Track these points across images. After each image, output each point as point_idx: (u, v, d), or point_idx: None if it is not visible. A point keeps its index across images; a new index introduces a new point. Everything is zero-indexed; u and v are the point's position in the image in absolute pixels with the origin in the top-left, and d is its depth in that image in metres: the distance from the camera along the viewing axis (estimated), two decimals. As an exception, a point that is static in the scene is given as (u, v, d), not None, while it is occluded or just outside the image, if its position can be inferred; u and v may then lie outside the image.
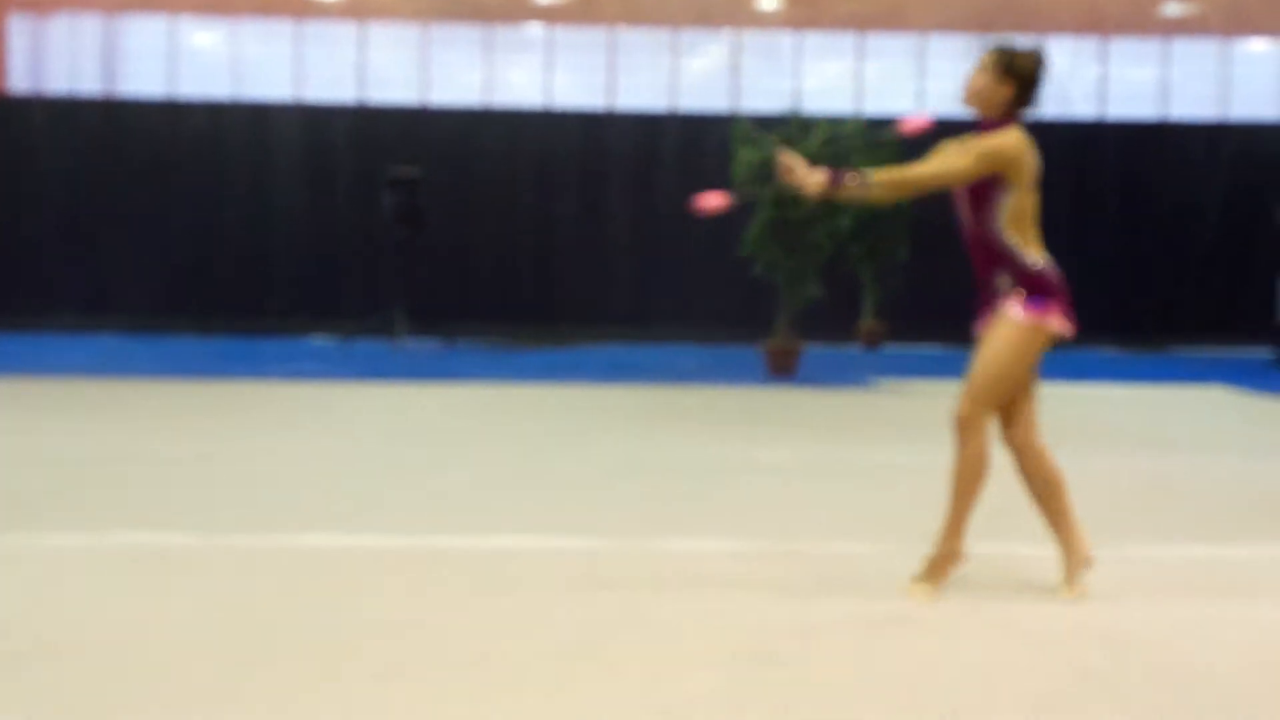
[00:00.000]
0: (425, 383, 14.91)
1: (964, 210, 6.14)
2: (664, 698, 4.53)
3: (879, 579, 6.21)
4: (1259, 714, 4.49)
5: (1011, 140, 5.97)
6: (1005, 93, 6.04)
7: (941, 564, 6.04)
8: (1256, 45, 39.62)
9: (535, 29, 39.82)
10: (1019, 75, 6.03)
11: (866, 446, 10.66)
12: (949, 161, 6.07)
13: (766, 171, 15.82)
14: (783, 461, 9.81)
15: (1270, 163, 23.20)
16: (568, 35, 39.98)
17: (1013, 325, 6.00)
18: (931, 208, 21.16)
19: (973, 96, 6.13)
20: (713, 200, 6.45)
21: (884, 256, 20.56)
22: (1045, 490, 6.17)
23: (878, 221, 20.03)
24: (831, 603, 5.79)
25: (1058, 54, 39.70)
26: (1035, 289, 6.02)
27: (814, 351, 17.93)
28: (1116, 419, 13.11)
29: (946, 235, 21.32)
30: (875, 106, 33.67)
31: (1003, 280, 6.06)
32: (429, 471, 9.10)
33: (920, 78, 38.91)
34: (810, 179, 6.09)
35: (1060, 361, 19.62)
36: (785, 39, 39.76)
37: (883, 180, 6.04)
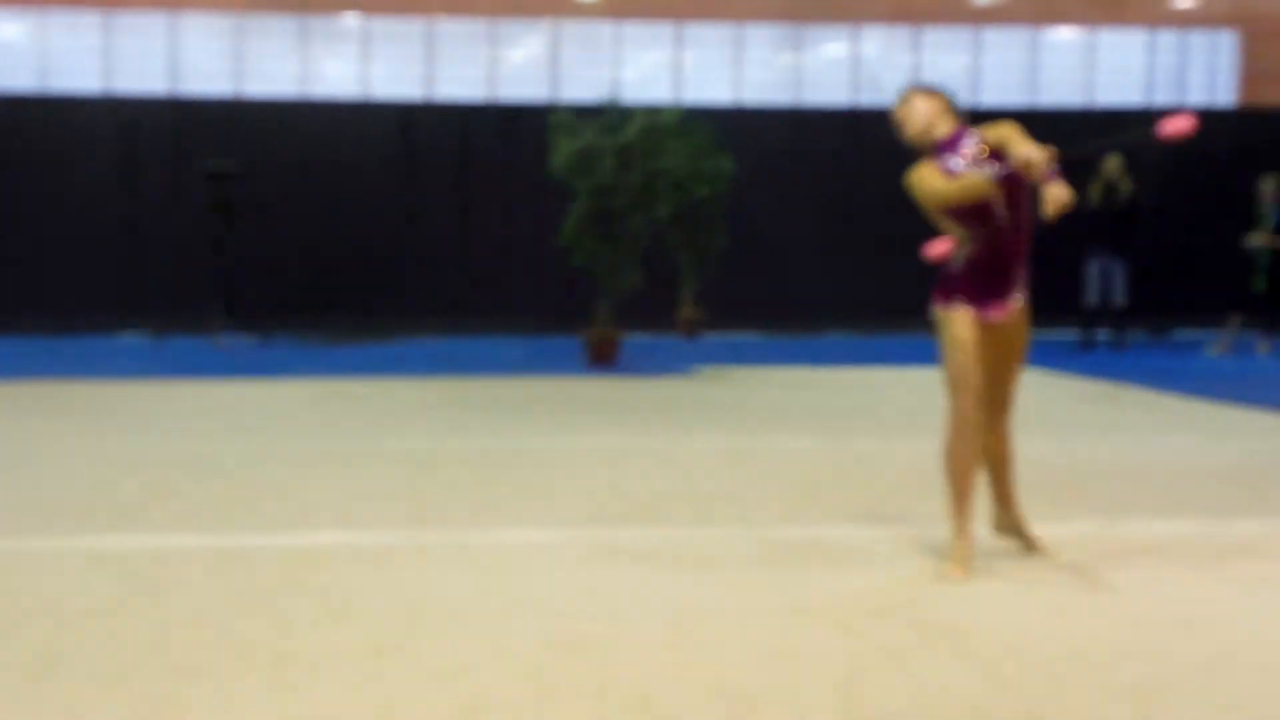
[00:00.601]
0: (243, 379, 14.73)
1: (1011, 215, 6.29)
2: (470, 690, 4.54)
3: (691, 563, 6.26)
4: (1065, 688, 4.61)
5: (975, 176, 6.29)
6: (933, 104, 6.54)
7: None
8: (1063, 34, 40.47)
9: (351, 20, 39.47)
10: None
11: (685, 433, 10.72)
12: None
13: (586, 162, 15.84)
14: (601, 449, 9.84)
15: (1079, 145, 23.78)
16: (385, 26, 39.69)
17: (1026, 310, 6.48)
18: (752, 198, 21.39)
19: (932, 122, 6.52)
20: (940, 248, 6.69)
21: (702, 245, 20.67)
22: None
23: (695, 211, 20.14)
24: (642, 590, 5.83)
25: (870, 44, 40.22)
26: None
27: (634, 341, 18.00)
28: (930, 401, 13.35)
29: (764, 224, 21.57)
30: (694, 95, 33.89)
31: (1021, 272, 6.41)
32: (243, 467, 9.00)
33: (737, 66, 39.20)
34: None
35: (880, 347, 19.88)
36: (604, 29, 39.82)
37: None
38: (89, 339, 20.13)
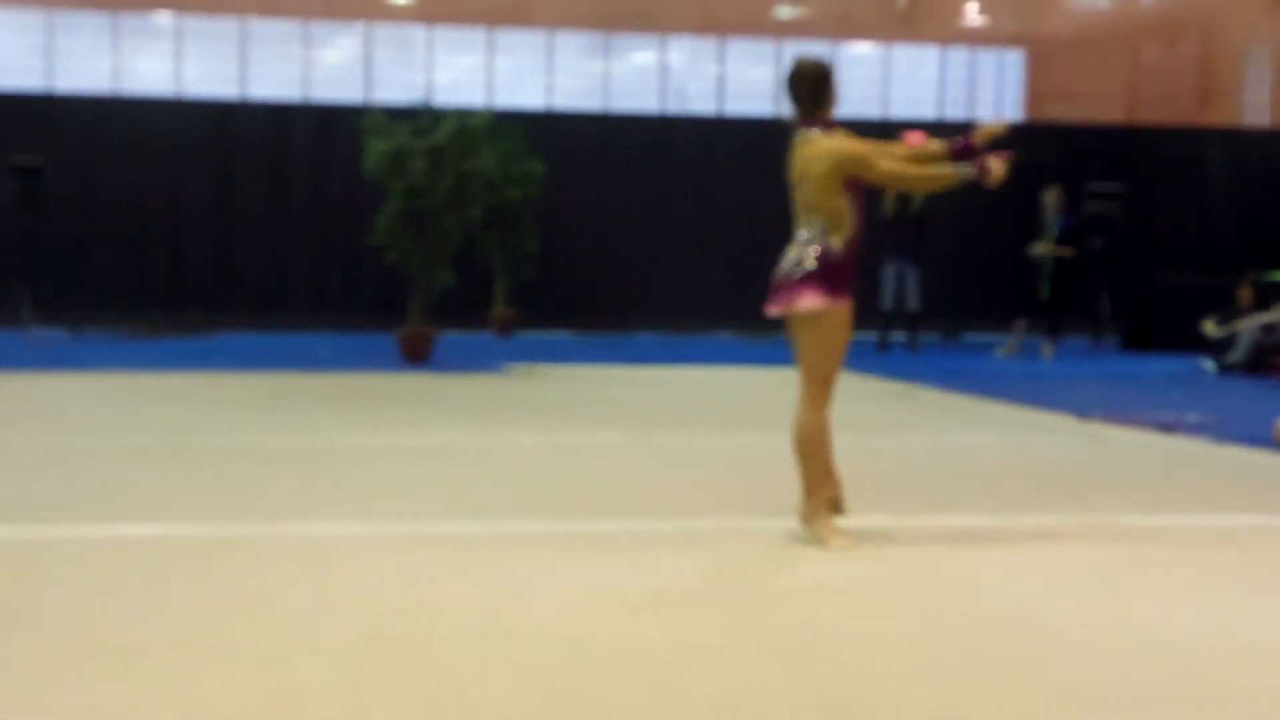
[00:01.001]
0: (52, 371, 14.38)
1: (859, 213, 6.69)
2: (280, 683, 4.46)
3: (503, 556, 6.23)
4: (867, 677, 4.66)
5: None
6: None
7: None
8: (861, 48, 41.07)
9: (164, 18, 38.75)
10: (787, 86, 6.68)
11: (496, 428, 10.68)
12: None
13: (398, 163, 15.72)
14: (413, 444, 9.76)
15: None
16: (198, 24, 39.03)
17: None
18: (562, 200, 21.39)
19: None
20: (916, 137, 6.99)
21: (514, 245, 20.63)
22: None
23: (507, 212, 20.09)
24: (454, 581, 5.78)
25: (677, 53, 40.46)
26: None
27: (448, 338, 17.90)
28: (740, 400, 13.44)
29: (574, 225, 21.59)
30: (505, 100, 33.80)
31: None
32: (53, 462, 8.77)
33: (549, 72, 39.19)
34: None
35: (687, 346, 20.00)
36: (417, 33, 39.56)
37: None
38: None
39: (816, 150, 6.57)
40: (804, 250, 6.61)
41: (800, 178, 6.60)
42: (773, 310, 6.67)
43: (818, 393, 6.58)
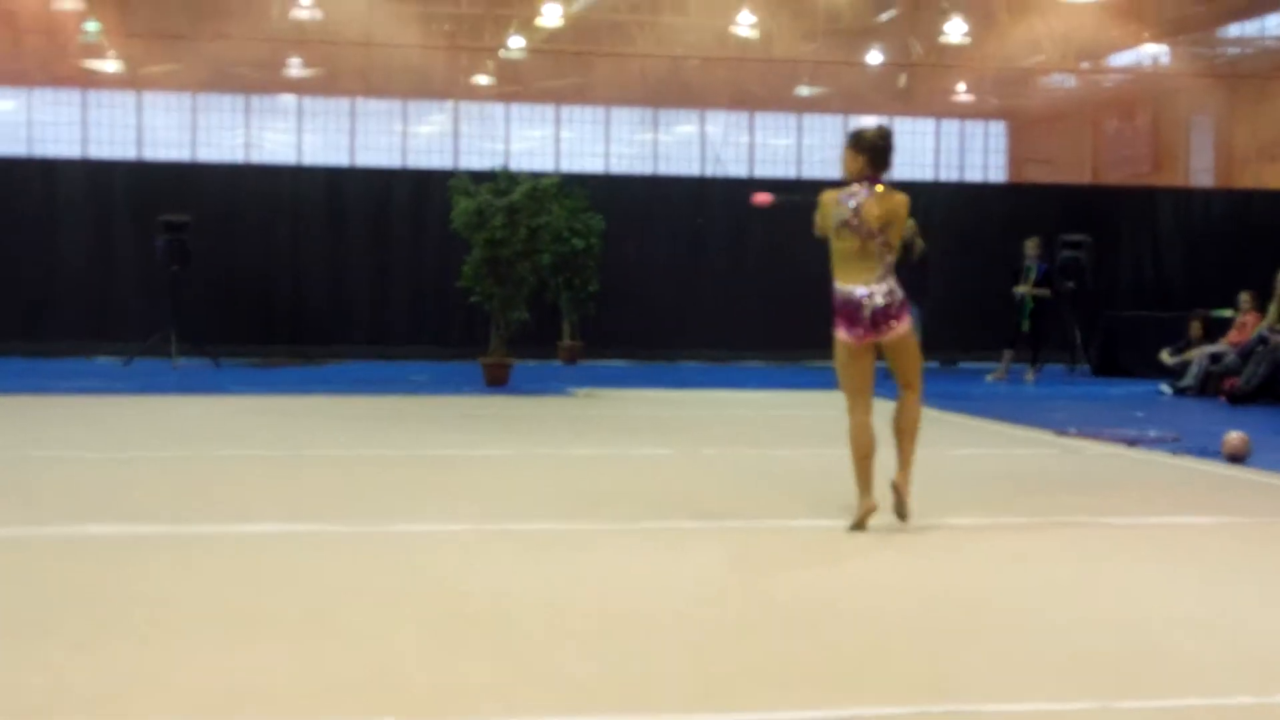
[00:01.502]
0: (195, 395, 14.46)
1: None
2: (380, 653, 4.44)
3: (568, 549, 6.21)
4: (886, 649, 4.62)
5: (824, 197, 6.81)
6: (858, 161, 6.74)
7: (863, 517, 6.73)
8: (867, 120, 40.93)
9: (288, 98, 39.05)
10: (864, 148, 6.73)
11: (564, 442, 10.67)
12: None
13: (480, 218, 15.74)
14: (493, 455, 9.76)
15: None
16: (315, 104, 39.31)
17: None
18: (619, 248, 21.38)
19: (846, 169, 6.83)
20: (762, 197, 7.13)
21: (579, 287, 20.63)
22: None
23: (573, 259, 20.09)
24: (527, 570, 5.76)
25: (713, 125, 40.47)
26: (834, 311, 6.78)
27: (523, 366, 17.89)
28: (771, 418, 13.39)
29: (629, 270, 21.58)
30: (570, 165, 33.89)
31: None
32: (190, 468, 8.80)
33: (606, 142, 39.25)
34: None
35: (724, 372, 19.94)
36: (497, 109, 39.74)
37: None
38: (66, 361, 19.76)
39: (900, 200, 6.76)
40: (893, 284, 6.73)
41: (887, 223, 6.68)
42: (880, 337, 6.76)
43: (921, 382, 7.06)
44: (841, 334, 6.76)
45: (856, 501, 6.80)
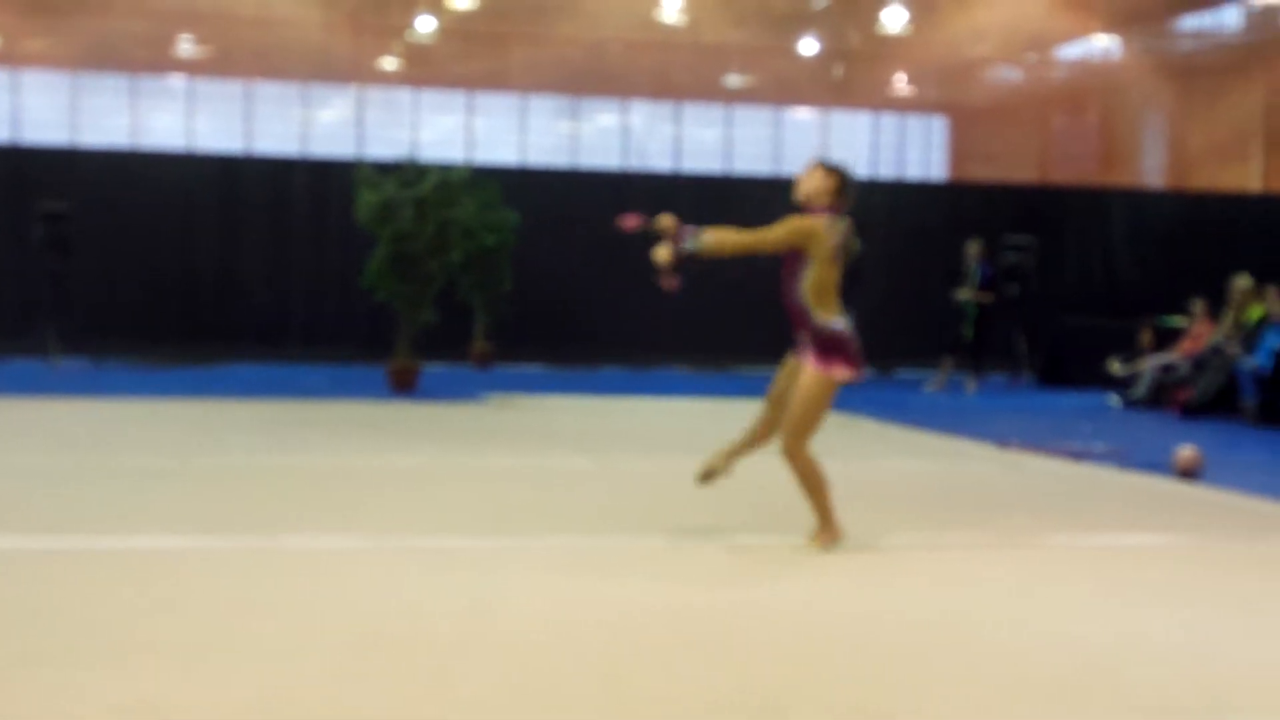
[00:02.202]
0: (75, 397, 14.28)
1: (784, 278, 6.82)
2: (280, 678, 4.43)
3: (481, 568, 6.21)
4: (803, 679, 4.65)
5: (815, 223, 6.73)
6: (830, 186, 6.81)
7: (827, 546, 6.83)
8: (801, 113, 41.28)
9: (177, 79, 38.67)
10: (838, 177, 6.84)
11: (476, 452, 10.65)
12: (766, 231, 6.76)
13: (386, 212, 15.68)
14: (399, 466, 9.73)
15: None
16: (207, 86, 38.96)
17: (809, 375, 6.78)
18: (534, 246, 21.38)
19: (804, 193, 6.86)
20: (631, 220, 7.01)
21: (491, 287, 20.58)
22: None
23: (485, 256, 20.05)
24: (437, 590, 5.76)
25: (636, 116, 40.56)
26: (825, 346, 6.75)
27: (431, 370, 17.83)
28: (692, 427, 13.44)
29: (545, 269, 21.58)
30: (483, 156, 33.81)
31: (803, 335, 6.81)
32: (68, 478, 8.70)
33: (522, 132, 39.22)
34: (659, 253, 6.86)
35: (645, 379, 19.98)
36: (404, 95, 39.56)
37: (712, 238, 6.75)
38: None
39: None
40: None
41: (848, 254, 6.85)
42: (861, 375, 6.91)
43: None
44: (841, 373, 6.81)
45: (826, 529, 6.92)
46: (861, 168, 39.79)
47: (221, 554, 6.39)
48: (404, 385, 16.04)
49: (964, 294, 18.80)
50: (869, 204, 23.56)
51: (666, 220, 6.83)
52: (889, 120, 42.98)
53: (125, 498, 8.03)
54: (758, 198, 24.94)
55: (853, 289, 19.44)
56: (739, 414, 14.31)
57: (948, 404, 16.62)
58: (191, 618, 5.17)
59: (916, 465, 10.61)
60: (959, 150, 43.52)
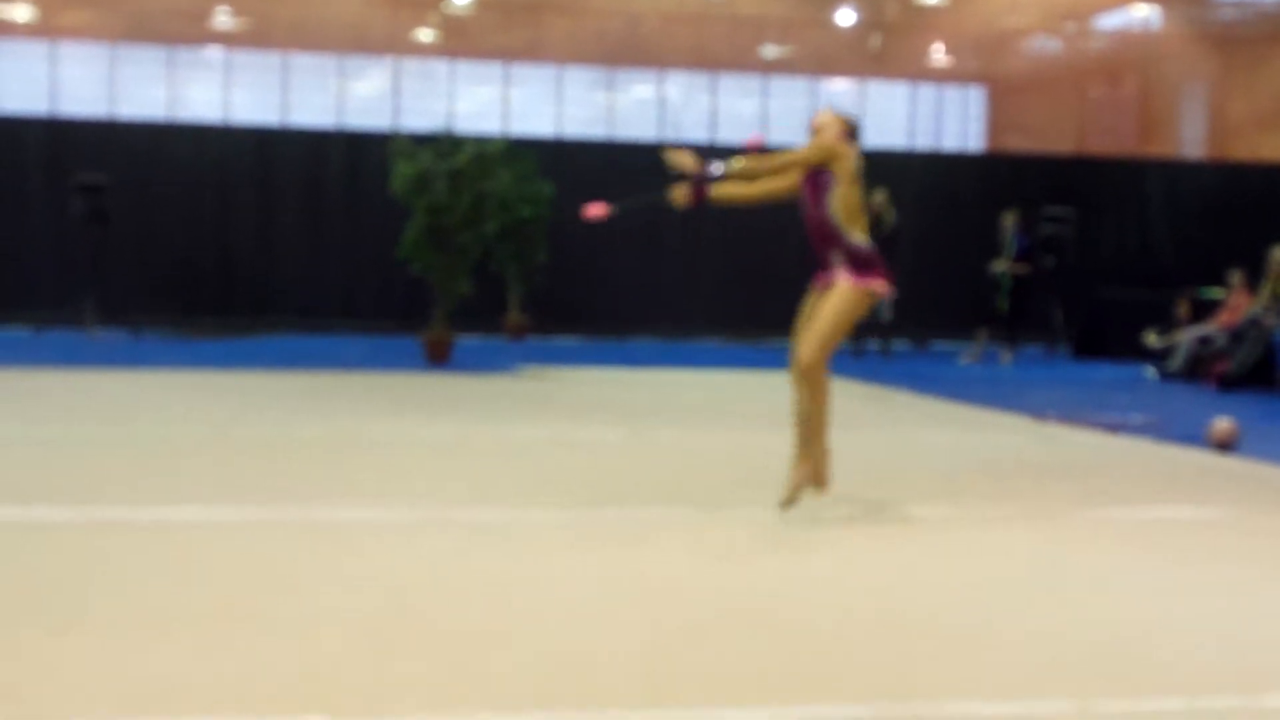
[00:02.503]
0: (114, 369, 14.33)
1: (807, 199, 6.94)
2: (307, 650, 4.42)
3: (512, 540, 6.19)
4: (851, 651, 4.62)
5: (839, 142, 6.91)
6: (839, 126, 7.01)
7: (824, 463, 6.92)
8: (838, 84, 41.04)
9: (214, 51, 38.73)
10: (848, 120, 7.07)
11: (509, 423, 10.65)
12: (791, 151, 6.91)
13: (422, 184, 15.67)
14: (433, 437, 9.73)
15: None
16: (244, 58, 39.01)
17: (844, 289, 6.83)
18: (570, 218, 21.32)
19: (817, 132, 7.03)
20: (596, 209, 7.12)
21: (526, 258, 20.57)
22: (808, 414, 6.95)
23: (520, 228, 20.03)
24: (467, 562, 5.75)
25: (673, 87, 40.44)
26: (860, 263, 6.85)
27: (466, 342, 17.85)
28: (728, 399, 13.41)
29: (581, 241, 21.54)
30: (519, 127, 33.75)
31: (835, 255, 6.88)
32: (113, 449, 8.73)
33: (558, 103, 39.14)
34: (678, 194, 6.99)
35: (681, 351, 19.95)
36: (441, 67, 39.54)
37: (738, 170, 6.85)
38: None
39: None
40: None
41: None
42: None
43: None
44: (879, 285, 6.91)
45: (801, 467, 6.92)
46: (898, 139, 39.60)
47: (256, 525, 6.40)
48: (439, 357, 16.06)
49: (1000, 265, 18.71)
50: (906, 175, 23.62)
51: (686, 158, 6.92)
52: (926, 91, 42.69)
53: (162, 468, 8.05)
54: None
55: (889, 260, 19.41)
56: (772, 386, 14.31)
57: (983, 376, 16.54)
58: (227, 589, 5.17)
59: (951, 437, 10.55)
60: (996, 121, 43.22)
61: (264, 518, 6.57)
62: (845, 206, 6.84)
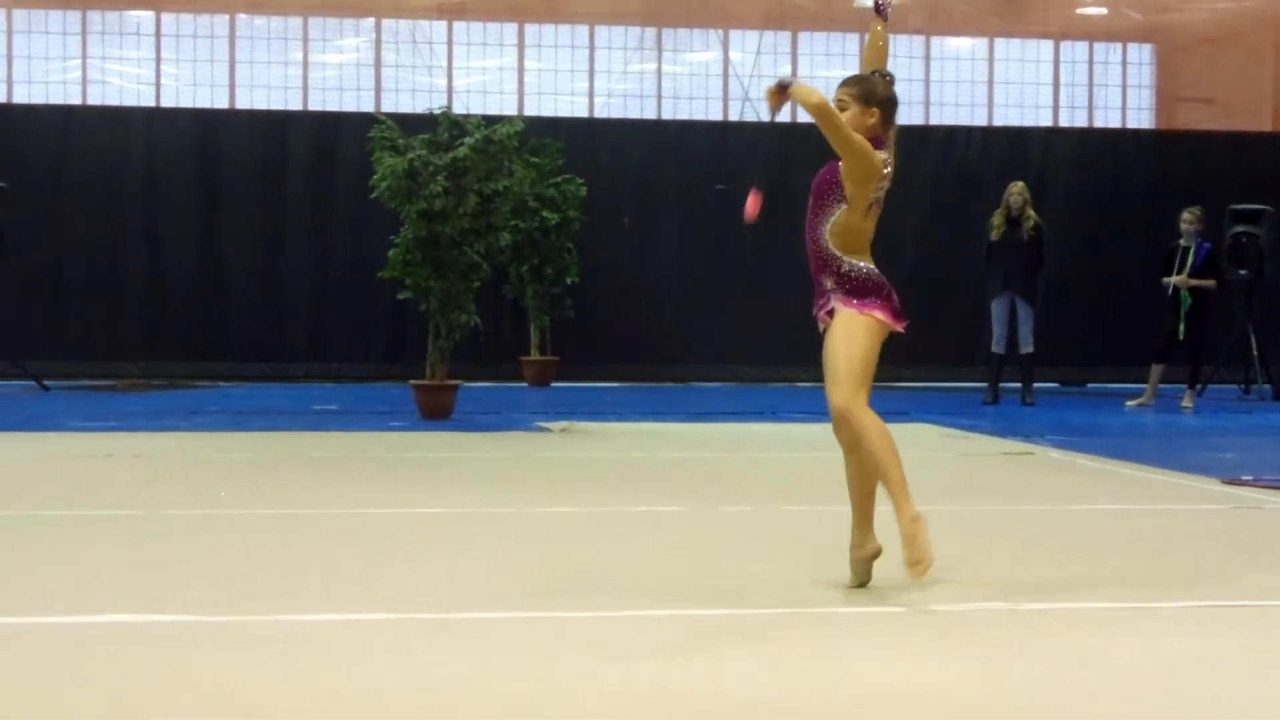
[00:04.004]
0: (11, 433, 14.44)
1: (808, 212, 7.40)
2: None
3: (537, 653, 6.19)
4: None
5: (878, 157, 7.25)
6: (871, 119, 7.31)
7: (915, 535, 6.92)
8: (958, 43, 41.02)
9: (141, 15, 39.09)
10: (880, 102, 7.37)
11: (536, 497, 10.65)
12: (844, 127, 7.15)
13: (412, 181, 15.73)
14: (431, 515, 9.74)
15: (976, 167, 23.77)
16: (179, 23, 39.34)
17: (847, 319, 7.28)
18: (608, 224, 21.39)
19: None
20: (754, 203, 7.51)
21: (551, 279, 20.63)
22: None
23: (542, 239, 20.12)
24: (478, 683, 5.74)
25: (740, 51, 40.56)
26: (856, 290, 7.29)
27: (473, 389, 17.91)
28: (811, 458, 13.39)
29: (622, 255, 21.57)
30: (539, 107, 33.88)
31: (827, 280, 7.37)
32: (10, 536, 8.78)
33: (590, 76, 39.29)
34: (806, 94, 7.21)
35: (754, 396, 19.94)
36: (436, 29, 39.76)
37: (810, 91, 7.21)
38: None
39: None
40: None
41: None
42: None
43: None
44: (884, 316, 7.31)
45: (905, 511, 7.03)
46: (1040, 115, 39.57)
47: (208, 632, 6.40)
48: (436, 410, 16.10)
49: (1176, 280, 18.61)
50: (1049, 162, 23.58)
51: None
52: (1076, 51, 42.63)
53: (80, 561, 8.08)
54: (904, 151, 24.79)
55: (1029, 274, 19.35)
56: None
57: (1156, 425, 16.47)
58: (164, 714, 5.16)
59: (1117, 508, 10.49)
60: (1168, 90, 43.09)
61: (216, 621, 6.57)
62: (845, 235, 7.31)
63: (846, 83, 7.48)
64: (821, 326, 7.47)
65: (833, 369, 7.26)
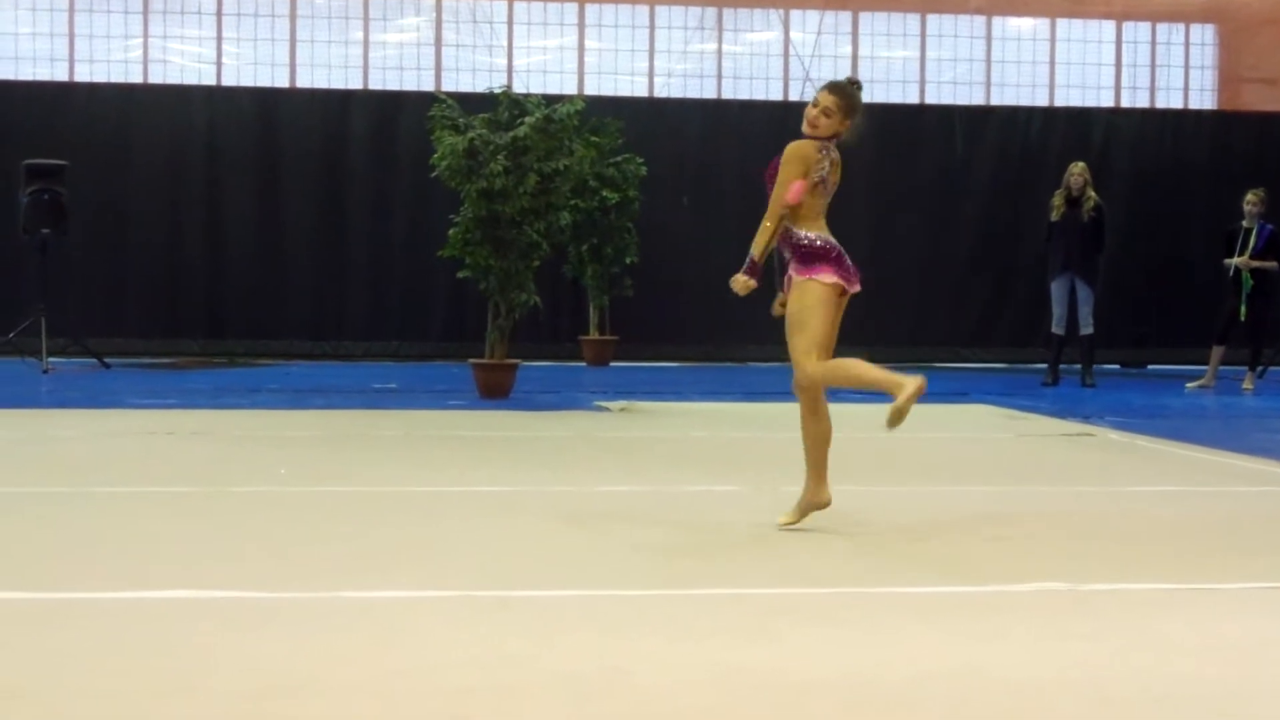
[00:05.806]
0: (72, 410, 14.53)
1: (766, 192, 8.47)
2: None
3: (596, 629, 6.20)
4: None
5: (802, 146, 8.36)
6: (843, 126, 8.38)
7: (907, 404, 7.94)
8: (1020, 24, 40.81)
9: (202, -6, 39.22)
10: (855, 114, 8.33)
11: (595, 476, 10.68)
12: (779, 189, 8.37)
13: (472, 161, 15.75)
14: (492, 494, 9.77)
15: (1038, 148, 23.67)
16: (240, 2, 39.46)
17: (797, 287, 8.26)
18: (668, 204, 21.38)
19: (813, 128, 8.39)
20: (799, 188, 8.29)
21: (611, 259, 20.63)
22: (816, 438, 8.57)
23: (604, 217, 20.11)
24: (539, 659, 5.76)
25: (802, 31, 40.47)
26: (806, 257, 8.27)
27: (532, 369, 17.93)
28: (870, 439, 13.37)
29: (683, 234, 21.55)
30: (599, 87, 33.85)
31: (786, 251, 8.36)
32: (74, 512, 8.84)
33: (650, 55, 39.28)
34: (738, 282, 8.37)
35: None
36: (497, 8, 39.79)
37: (758, 244, 8.36)
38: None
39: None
40: None
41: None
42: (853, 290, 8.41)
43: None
44: (828, 276, 8.22)
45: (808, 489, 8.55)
46: (1102, 95, 39.35)
47: (269, 609, 6.43)
48: (496, 389, 16.12)
49: (1238, 261, 18.51)
50: (1111, 142, 23.48)
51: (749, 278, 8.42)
52: (1138, 31, 42.40)
53: (140, 537, 8.14)
54: (966, 132, 24.78)
55: (1089, 255, 19.31)
56: (946, 422, 14.26)
57: (1219, 408, 16.38)
58: (214, 698, 5.19)
59: (1177, 490, 10.46)
60: (1230, 70, 42.79)
61: (278, 598, 6.61)
62: (796, 209, 8.30)
63: (833, 91, 8.36)
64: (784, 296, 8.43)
65: (790, 336, 8.30)
